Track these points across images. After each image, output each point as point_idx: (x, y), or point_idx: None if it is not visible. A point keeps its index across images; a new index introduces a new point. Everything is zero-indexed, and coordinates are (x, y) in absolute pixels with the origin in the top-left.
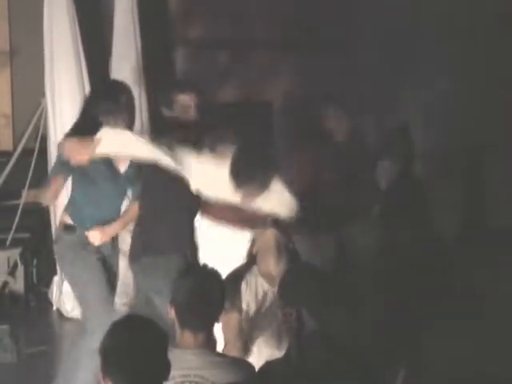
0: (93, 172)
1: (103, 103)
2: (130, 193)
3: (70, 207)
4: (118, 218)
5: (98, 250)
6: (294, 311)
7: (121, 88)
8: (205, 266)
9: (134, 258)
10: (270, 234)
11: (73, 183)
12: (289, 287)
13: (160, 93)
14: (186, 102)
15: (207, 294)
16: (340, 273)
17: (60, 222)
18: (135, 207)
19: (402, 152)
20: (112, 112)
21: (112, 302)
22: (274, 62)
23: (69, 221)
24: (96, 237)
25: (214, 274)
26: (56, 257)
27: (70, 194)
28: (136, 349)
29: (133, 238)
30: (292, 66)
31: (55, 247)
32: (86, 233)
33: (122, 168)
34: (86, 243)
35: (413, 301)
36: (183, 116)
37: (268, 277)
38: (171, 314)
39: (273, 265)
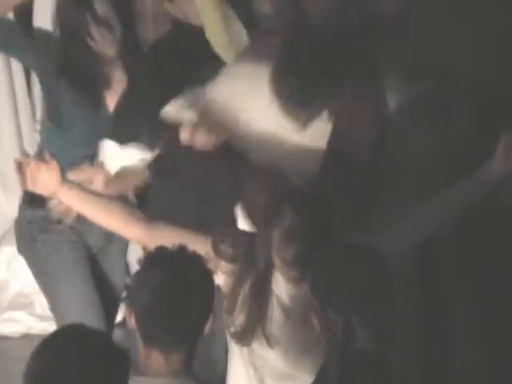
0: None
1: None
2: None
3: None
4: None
5: (76, 235)
6: (340, 318)
7: None
8: (182, 248)
9: None
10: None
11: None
12: (331, 280)
13: None
14: None
15: (184, 292)
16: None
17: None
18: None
19: None
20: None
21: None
22: None
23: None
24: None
25: (195, 261)
26: (16, 243)
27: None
28: (77, 378)
29: None
30: None
31: (14, 228)
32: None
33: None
34: (55, 223)
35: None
36: None
37: (286, 271)
38: (131, 323)
39: (293, 257)
